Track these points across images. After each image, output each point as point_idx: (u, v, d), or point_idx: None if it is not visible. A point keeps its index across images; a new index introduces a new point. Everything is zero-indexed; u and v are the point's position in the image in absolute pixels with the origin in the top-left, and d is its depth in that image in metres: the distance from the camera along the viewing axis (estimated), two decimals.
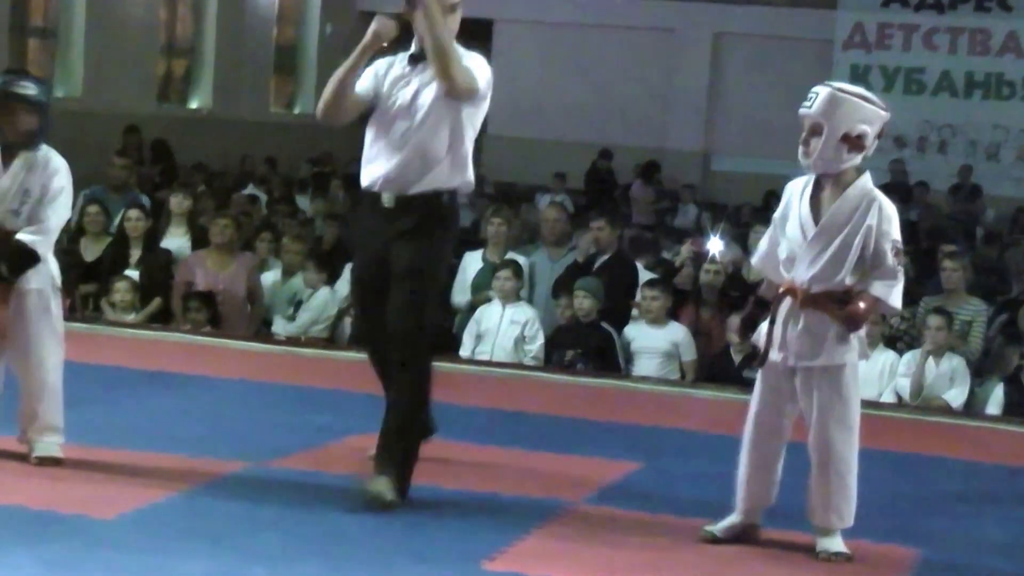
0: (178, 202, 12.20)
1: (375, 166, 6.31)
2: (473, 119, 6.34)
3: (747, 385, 9.42)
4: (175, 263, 11.40)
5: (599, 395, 9.20)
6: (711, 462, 7.17)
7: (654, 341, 10.20)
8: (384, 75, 6.36)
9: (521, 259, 10.85)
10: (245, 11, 20.78)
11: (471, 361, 10.05)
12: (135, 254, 11.39)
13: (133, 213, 11.55)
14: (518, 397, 8.91)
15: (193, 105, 20.31)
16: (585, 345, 10.08)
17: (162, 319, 10.99)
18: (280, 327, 10.96)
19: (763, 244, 6.00)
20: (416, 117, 6.23)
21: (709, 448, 7.66)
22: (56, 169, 6.41)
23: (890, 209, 5.73)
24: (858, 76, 21.48)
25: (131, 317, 10.81)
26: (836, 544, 5.89)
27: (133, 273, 11.16)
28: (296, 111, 22.79)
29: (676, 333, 10.26)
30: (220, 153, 18.59)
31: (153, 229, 11.67)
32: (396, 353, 6.23)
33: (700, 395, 9.37)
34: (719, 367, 10.07)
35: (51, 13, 17.34)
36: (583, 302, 10.11)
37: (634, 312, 10.61)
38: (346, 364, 9.21)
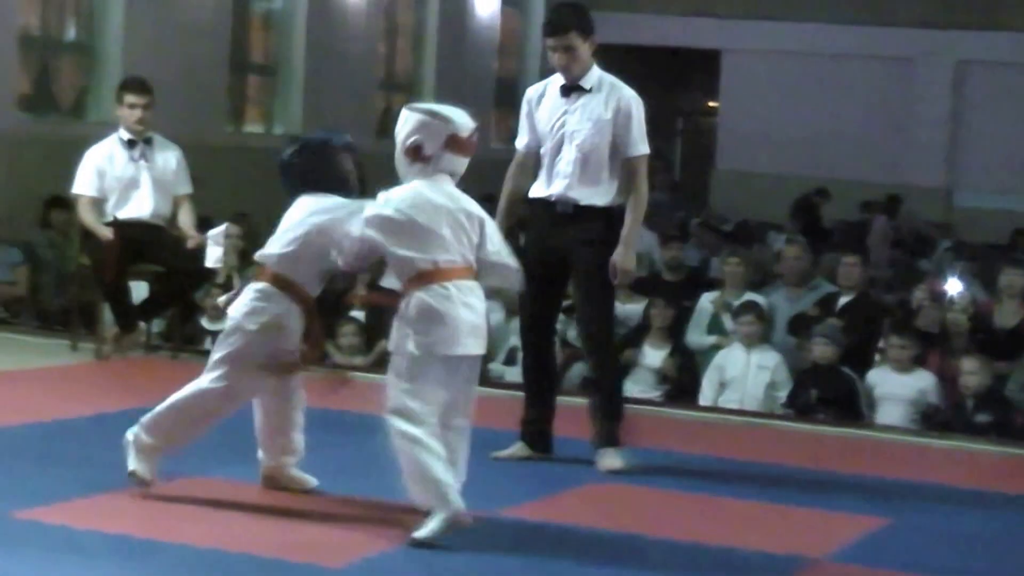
0: None
1: (546, 185, 7.43)
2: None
3: (979, 433, 9.13)
4: None
5: (840, 444, 8.87)
6: (964, 519, 6.97)
7: (900, 388, 9.83)
8: (536, 109, 7.46)
9: (759, 300, 10.57)
10: (465, 44, 20.76)
11: (706, 408, 9.81)
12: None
13: None
14: (753, 446, 8.62)
15: None
16: (827, 391, 9.75)
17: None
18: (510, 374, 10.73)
19: None
20: (578, 143, 7.27)
21: (961, 504, 7.37)
22: None
23: None
24: None
25: (358, 360, 10.69)
26: None
27: (358, 314, 11.07)
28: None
29: (923, 380, 9.89)
30: None
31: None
32: (594, 354, 7.50)
33: (948, 446, 8.94)
34: (955, 414, 9.66)
35: (271, 49, 17.51)
36: (823, 349, 9.80)
37: (877, 356, 10.25)
38: (574, 409, 9.05)
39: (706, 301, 11.01)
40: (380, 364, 10.58)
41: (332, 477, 6.85)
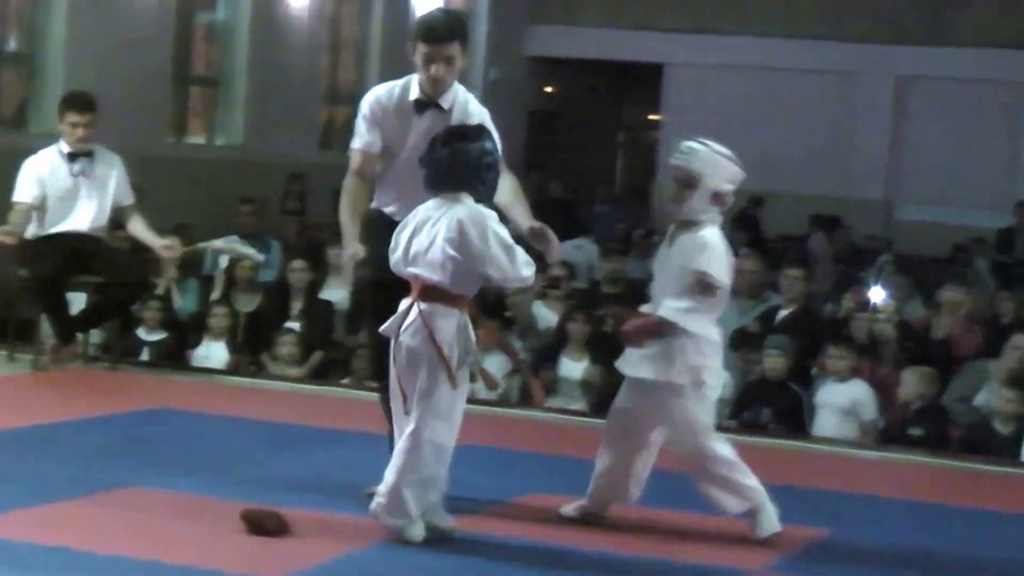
0: (336, 253, 12.05)
1: (392, 197, 6.74)
2: None
3: (916, 444, 9.18)
4: (336, 315, 11.31)
5: (780, 456, 8.85)
6: (899, 531, 6.97)
7: (835, 397, 9.90)
8: (383, 117, 6.75)
9: None
10: (407, 58, 20.73)
11: None
12: (296, 306, 11.28)
13: (297, 264, 11.46)
14: None
15: None
16: (775, 405, 9.78)
17: (322, 373, 10.87)
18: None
19: None
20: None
21: (897, 516, 7.39)
22: None
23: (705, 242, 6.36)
24: None
25: (295, 371, 10.68)
26: None
27: (294, 325, 11.05)
28: None
29: (858, 390, 9.94)
30: None
31: (314, 281, 11.57)
32: None
33: (886, 458, 8.97)
34: (895, 426, 9.72)
35: (214, 62, 17.47)
36: (775, 361, 9.83)
37: (814, 369, 10.31)
38: (515, 421, 9.11)
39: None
40: (317, 375, 10.62)
41: (267, 488, 6.82)
